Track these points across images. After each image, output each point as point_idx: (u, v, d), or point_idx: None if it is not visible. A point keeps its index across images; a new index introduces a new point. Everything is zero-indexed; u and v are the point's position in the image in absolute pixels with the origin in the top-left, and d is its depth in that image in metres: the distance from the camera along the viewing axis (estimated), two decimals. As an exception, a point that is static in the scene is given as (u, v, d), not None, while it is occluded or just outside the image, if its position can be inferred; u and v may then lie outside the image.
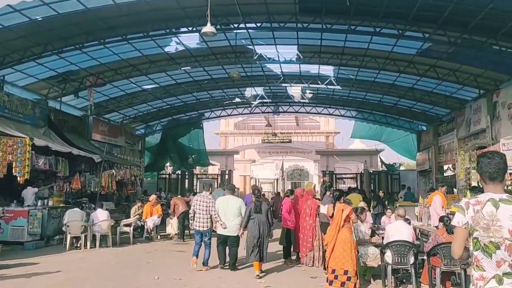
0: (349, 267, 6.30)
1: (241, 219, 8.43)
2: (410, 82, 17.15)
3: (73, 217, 11.71)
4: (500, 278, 2.66)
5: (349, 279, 6.29)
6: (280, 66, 17.43)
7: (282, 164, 36.43)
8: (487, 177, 2.82)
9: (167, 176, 28.72)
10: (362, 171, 27.23)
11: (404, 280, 7.32)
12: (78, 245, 11.69)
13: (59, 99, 16.91)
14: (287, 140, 30.08)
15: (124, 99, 19.75)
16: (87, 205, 14.66)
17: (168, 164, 29.08)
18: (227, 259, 8.79)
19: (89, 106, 16.87)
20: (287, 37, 14.33)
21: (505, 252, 2.65)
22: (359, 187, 25.36)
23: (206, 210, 8.59)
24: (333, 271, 6.39)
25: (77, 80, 15.96)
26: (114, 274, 8.44)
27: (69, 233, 11.56)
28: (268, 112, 25.37)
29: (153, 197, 14.67)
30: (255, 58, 15.43)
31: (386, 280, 7.03)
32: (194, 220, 8.68)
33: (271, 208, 9.40)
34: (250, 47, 15.00)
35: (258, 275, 7.92)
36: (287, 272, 8.74)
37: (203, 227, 8.61)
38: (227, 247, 8.70)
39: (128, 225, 13.26)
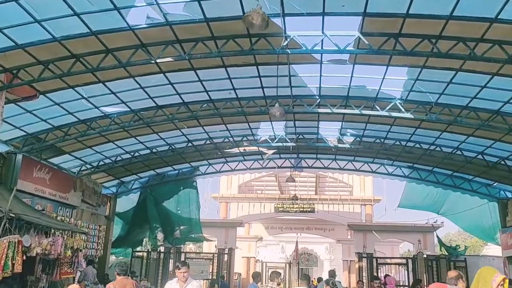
0: None
1: None
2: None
3: None
4: None
5: None
6: (320, 75, 10.83)
7: (297, 244, 28.93)
8: None
9: (144, 254, 20.98)
10: (416, 255, 19.55)
11: None
12: None
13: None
14: (310, 209, 22.61)
15: (75, 129, 12.87)
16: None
17: (147, 238, 21.48)
18: None
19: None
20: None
21: None
22: (413, 277, 17.80)
23: None
24: None
25: (-22, 78, 9.30)
26: None
27: None
28: (287, 167, 18.39)
29: (75, 291, 7.30)
30: (284, 44, 8.88)
31: None
32: None
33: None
34: (277, 21, 8.54)
35: None
36: None
37: None
38: None
39: None
